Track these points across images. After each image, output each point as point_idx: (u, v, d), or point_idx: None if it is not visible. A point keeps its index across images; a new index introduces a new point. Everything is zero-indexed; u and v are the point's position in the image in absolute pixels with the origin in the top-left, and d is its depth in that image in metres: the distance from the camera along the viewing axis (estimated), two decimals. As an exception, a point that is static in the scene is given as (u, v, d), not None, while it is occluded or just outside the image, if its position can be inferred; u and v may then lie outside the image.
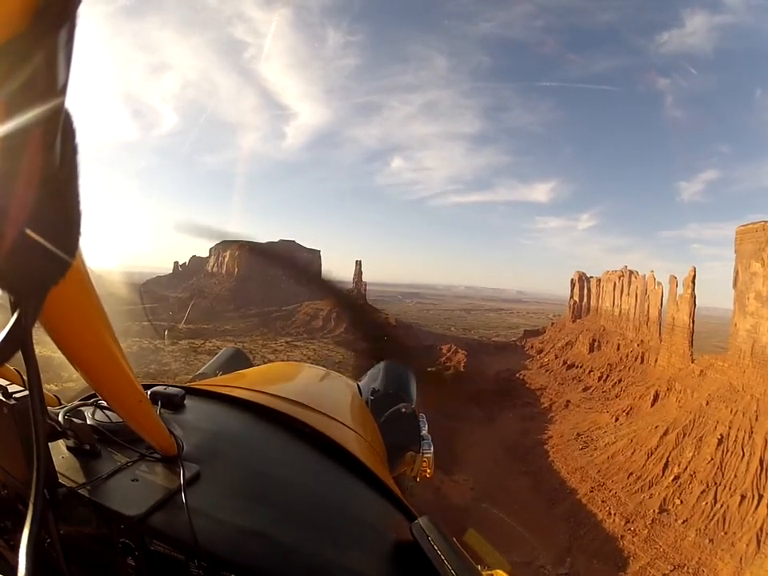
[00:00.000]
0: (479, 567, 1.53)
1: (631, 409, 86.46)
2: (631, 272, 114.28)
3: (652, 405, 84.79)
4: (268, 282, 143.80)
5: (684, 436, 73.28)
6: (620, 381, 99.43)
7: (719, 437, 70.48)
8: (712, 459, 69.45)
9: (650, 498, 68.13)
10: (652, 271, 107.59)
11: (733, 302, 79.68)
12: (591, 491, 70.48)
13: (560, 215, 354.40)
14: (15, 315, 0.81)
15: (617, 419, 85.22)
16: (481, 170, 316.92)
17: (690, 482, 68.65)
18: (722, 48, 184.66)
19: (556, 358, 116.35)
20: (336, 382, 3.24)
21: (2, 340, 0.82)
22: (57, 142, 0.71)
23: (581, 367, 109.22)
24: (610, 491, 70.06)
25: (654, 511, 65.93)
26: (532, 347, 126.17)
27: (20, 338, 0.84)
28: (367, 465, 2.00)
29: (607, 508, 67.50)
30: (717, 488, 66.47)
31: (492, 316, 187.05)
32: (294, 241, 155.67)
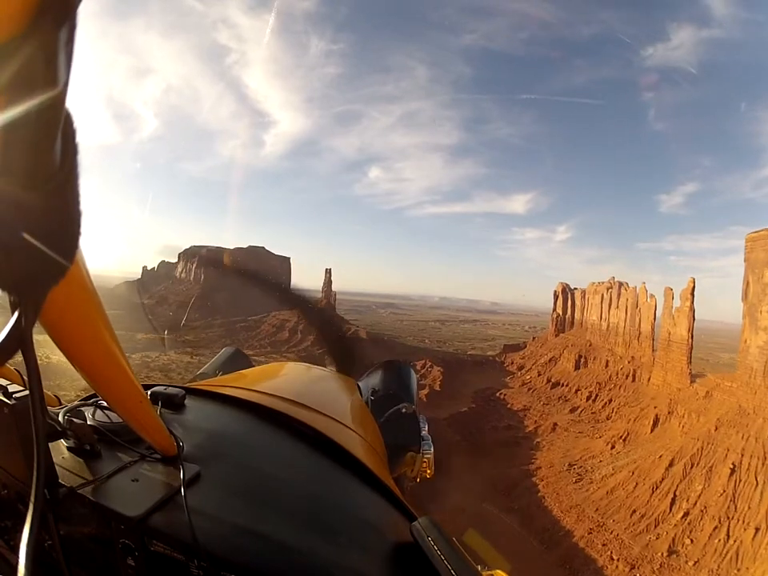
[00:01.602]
0: (479, 567, 1.53)
1: (628, 434, 77.96)
2: (621, 283, 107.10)
3: (651, 430, 76.70)
4: (235, 290, 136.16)
5: (692, 466, 65.75)
6: (610, 401, 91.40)
7: (731, 466, 63.10)
8: (724, 491, 62.13)
9: (656, 538, 59.94)
10: (644, 283, 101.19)
11: (742, 315, 73.26)
12: (589, 533, 61.51)
13: (537, 227, 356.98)
14: (15, 315, 0.81)
15: (613, 446, 76.59)
16: (459, 182, 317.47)
17: (701, 519, 61.19)
18: (708, 61, 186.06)
19: (539, 375, 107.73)
20: (336, 382, 3.24)
21: (2, 340, 0.82)
22: (57, 141, 0.71)
23: (566, 385, 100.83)
24: (612, 532, 61.30)
25: (662, 554, 57.82)
26: (512, 363, 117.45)
27: (20, 338, 0.84)
28: (367, 465, 2.00)
29: (608, 552, 58.78)
30: (729, 522, 59.32)
31: (467, 327, 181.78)
32: (263, 247, 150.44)
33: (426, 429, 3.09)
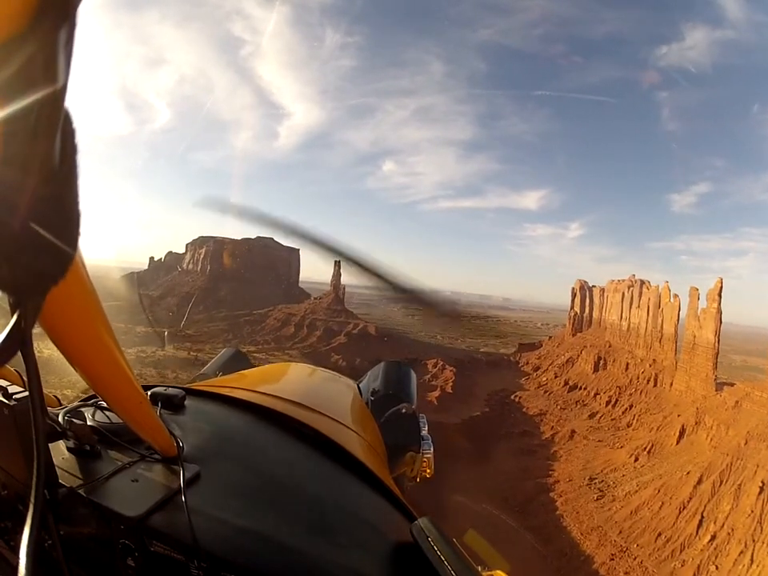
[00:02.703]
0: (479, 568, 1.54)
1: (652, 446, 73.57)
2: (642, 282, 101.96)
3: (677, 441, 72.21)
4: (241, 283, 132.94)
5: (721, 484, 61.51)
6: (631, 407, 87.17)
7: (761, 484, 58.85)
8: (752, 512, 57.93)
9: (682, 565, 56.22)
10: (667, 282, 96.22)
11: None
12: (612, 559, 57.62)
13: (549, 223, 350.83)
14: (15, 316, 0.81)
15: (636, 459, 72.32)
16: (472, 177, 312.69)
17: (728, 542, 57.38)
18: (722, 62, 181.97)
19: (556, 377, 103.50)
20: (336, 383, 3.29)
21: (2, 341, 0.82)
22: (56, 142, 0.71)
23: (585, 389, 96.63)
24: (635, 559, 57.40)
25: (687, 583, 53.81)
26: (528, 363, 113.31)
27: (20, 339, 0.84)
28: (367, 465, 2.03)
29: (631, 581, 54.80)
30: (754, 546, 55.36)
31: (479, 323, 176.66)
32: (272, 238, 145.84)
33: (426, 429, 3.09)
